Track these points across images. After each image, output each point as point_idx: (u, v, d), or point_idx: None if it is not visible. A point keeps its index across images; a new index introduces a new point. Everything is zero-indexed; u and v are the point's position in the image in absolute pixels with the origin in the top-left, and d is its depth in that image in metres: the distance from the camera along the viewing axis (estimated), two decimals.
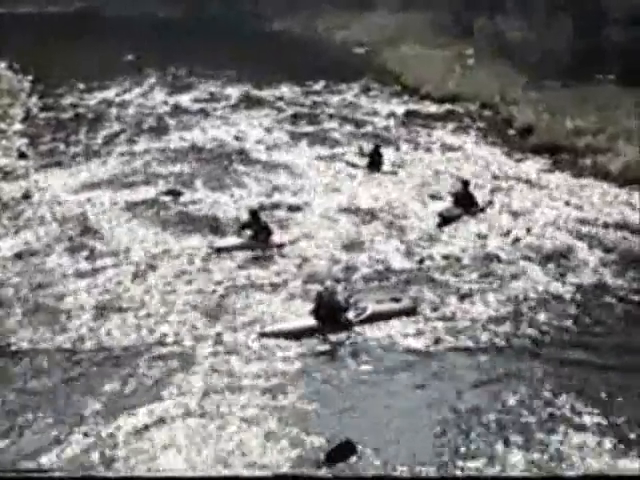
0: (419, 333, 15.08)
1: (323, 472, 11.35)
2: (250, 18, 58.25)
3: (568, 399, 13.02)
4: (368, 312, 15.59)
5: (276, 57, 44.51)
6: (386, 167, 25.28)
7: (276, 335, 15.02)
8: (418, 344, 14.73)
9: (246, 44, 47.75)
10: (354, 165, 25.54)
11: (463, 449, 11.84)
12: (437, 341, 14.80)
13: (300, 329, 15.26)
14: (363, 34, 50.51)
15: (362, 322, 15.43)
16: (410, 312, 15.74)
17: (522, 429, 12.27)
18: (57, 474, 9.68)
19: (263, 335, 15.05)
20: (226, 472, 11.15)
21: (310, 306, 15.63)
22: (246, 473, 11.25)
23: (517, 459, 11.62)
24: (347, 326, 15.33)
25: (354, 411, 12.88)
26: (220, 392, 13.20)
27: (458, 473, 11.38)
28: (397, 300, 16.03)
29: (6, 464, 11.44)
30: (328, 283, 15.84)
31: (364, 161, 25.46)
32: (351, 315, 15.50)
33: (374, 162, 25.26)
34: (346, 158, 26.39)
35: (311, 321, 15.38)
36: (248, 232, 19.30)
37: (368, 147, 26.01)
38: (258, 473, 11.21)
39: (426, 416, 12.67)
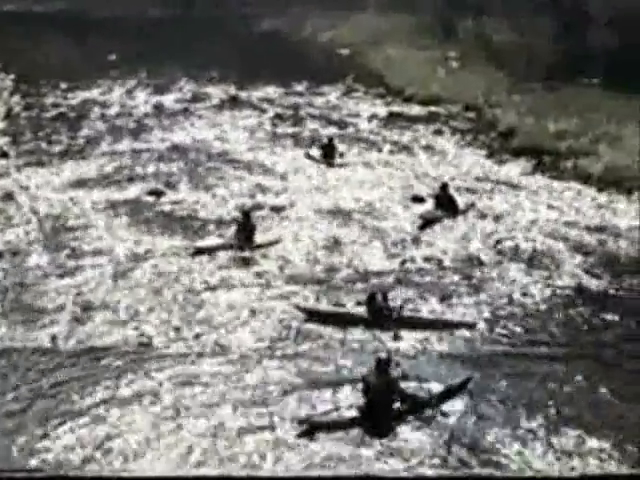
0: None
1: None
2: (238, 19, 58.24)
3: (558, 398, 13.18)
4: (419, 316, 15.58)
5: (261, 58, 44.44)
6: (339, 159, 25.94)
7: (321, 319, 15.36)
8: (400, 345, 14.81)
9: (232, 45, 47.71)
10: (311, 158, 26.16)
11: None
12: (420, 343, 14.87)
13: (347, 318, 15.44)
14: (349, 35, 50.50)
15: (406, 325, 15.33)
16: (470, 326, 15.47)
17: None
18: (54, 474, 9.63)
19: (304, 311, 15.56)
20: (223, 472, 11.17)
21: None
22: (241, 474, 11.28)
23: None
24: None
25: None
26: (201, 392, 13.23)
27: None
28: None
29: None
30: (379, 283, 15.98)
31: (319, 154, 26.17)
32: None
33: (327, 155, 25.87)
34: (305, 152, 26.82)
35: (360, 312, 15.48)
36: (231, 232, 19.30)
37: (322, 141, 27.01)
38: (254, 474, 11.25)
39: None
